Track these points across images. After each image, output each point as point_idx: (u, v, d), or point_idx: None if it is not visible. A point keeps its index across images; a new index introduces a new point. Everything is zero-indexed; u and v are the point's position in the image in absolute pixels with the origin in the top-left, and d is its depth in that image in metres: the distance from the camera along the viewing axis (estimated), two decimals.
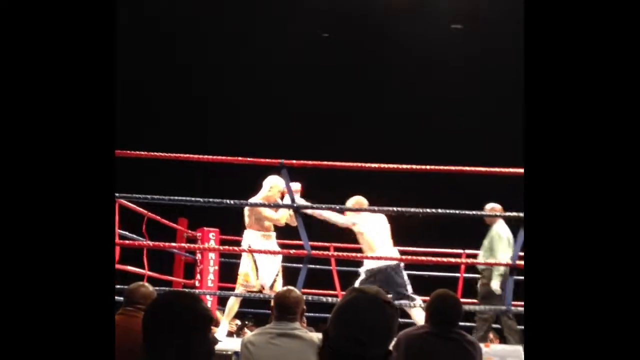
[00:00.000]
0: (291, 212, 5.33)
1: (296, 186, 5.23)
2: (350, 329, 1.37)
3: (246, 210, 5.45)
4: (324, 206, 5.06)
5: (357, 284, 5.28)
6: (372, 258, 5.52)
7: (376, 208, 5.58)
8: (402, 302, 5.32)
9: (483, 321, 5.74)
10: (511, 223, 5.66)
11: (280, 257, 5.45)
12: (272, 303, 3.17)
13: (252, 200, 5.40)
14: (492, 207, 5.74)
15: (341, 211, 5.40)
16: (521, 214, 4.84)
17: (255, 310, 6.94)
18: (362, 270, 5.50)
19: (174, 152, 5.31)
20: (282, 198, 5.40)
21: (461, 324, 3.12)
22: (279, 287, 5.30)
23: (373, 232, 5.45)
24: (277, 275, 5.41)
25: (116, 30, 1.62)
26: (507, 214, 5.43)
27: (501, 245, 5.64)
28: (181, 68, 9.94)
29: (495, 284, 5.52)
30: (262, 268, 5.34)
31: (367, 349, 1.36)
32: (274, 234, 5.50)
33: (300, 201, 5.18)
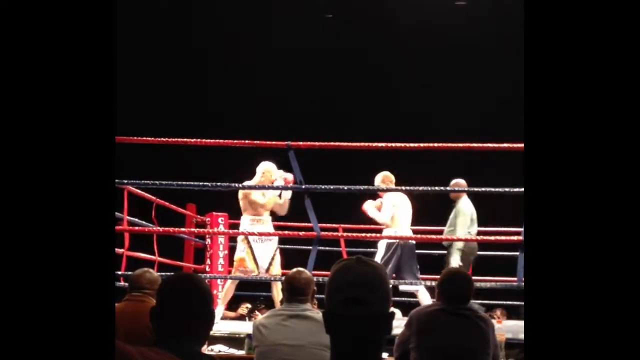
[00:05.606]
0: (279, 200, 5.48)
1: (288, 177, 5.26)
2: (348, 291, 1.34)
3: (240, 194, 5.48)
4: (332, 187, 5.04)
5: (378, 258, 5.31)
6: (380, 237, 5.51)
7: (384, 187, 5.57)
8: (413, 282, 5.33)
9: None
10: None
11: (275, 240, 5.47)
12: (282, 285, 3.17)
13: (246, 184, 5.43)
14: (457, 182, 5.73)
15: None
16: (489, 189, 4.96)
17: (266, 294, 6.95)
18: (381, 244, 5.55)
19: (180, 137, 5.31)
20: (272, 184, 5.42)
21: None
22: (276, 270, 5.43)
23: (401, 208, 5.57)
24: (272, 258, 5.45)
25: (115, 9, 1.60)
26: (474, 189, 5.45)
27: (462, 220, 5.66)
28: (182, 53, 9.89)
29: (455, 260, 5.54)
30: (257, 252, 5.39)
31: (369, 307, 1.33)
32: (267, 218, 5.53)
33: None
